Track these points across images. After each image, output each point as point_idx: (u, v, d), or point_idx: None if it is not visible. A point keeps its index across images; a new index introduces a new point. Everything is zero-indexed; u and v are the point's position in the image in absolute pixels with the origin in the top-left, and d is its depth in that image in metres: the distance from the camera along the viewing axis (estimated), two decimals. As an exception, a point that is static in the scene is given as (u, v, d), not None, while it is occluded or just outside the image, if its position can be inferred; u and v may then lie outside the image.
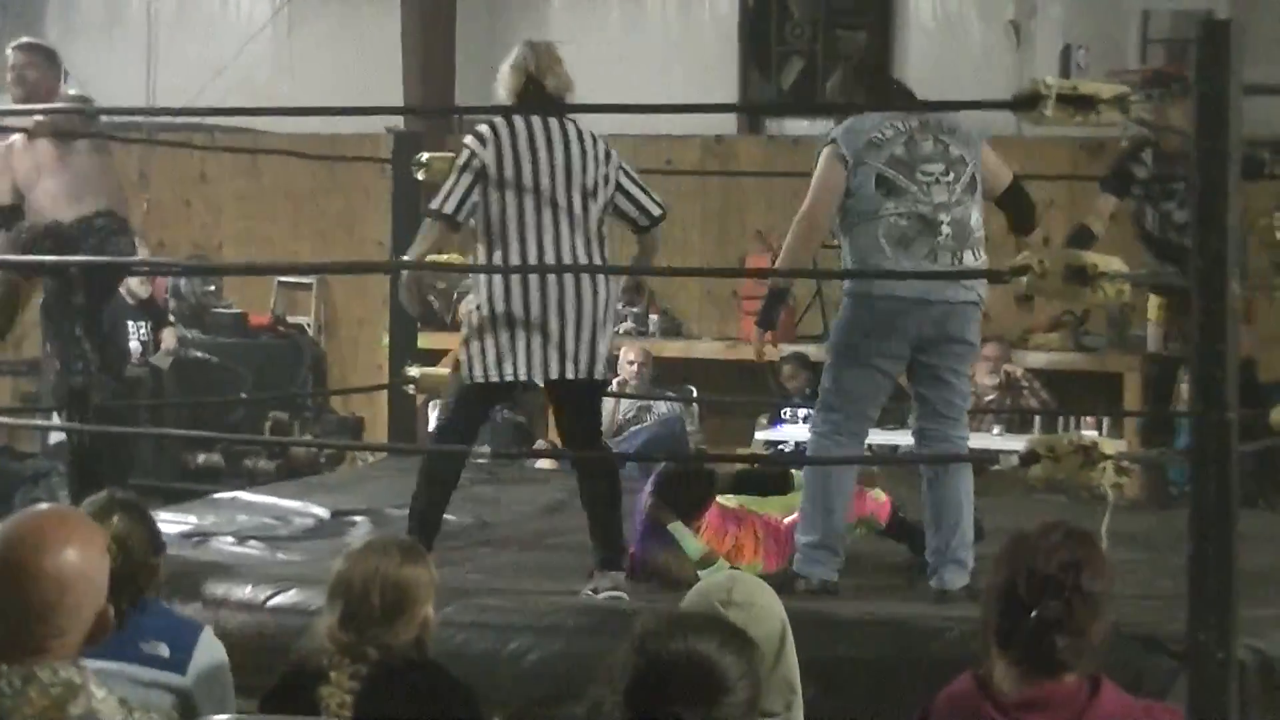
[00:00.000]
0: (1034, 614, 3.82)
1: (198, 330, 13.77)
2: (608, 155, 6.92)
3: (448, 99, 14.42)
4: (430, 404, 12.64)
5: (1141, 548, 7.25)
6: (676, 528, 6.94)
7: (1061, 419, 11.48)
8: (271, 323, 14.59)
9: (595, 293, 6.82)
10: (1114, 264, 5.66)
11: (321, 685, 4.50)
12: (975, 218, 6.79)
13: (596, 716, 3.17)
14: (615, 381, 12.65)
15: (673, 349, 13.58)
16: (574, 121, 6.93)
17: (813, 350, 12.21)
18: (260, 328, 14.39)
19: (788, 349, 12.57)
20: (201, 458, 12.44)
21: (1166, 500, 9.05)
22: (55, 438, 11.04)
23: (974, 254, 6.75)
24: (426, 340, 12.60)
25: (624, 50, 14.44)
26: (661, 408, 12.52)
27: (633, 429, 12.29)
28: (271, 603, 6.57)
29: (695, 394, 13.11)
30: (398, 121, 12.88)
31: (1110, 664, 4.17)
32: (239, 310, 14.28)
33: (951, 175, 6.77)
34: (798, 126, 14.05)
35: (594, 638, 5.91)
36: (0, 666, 3.21)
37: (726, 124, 14.15)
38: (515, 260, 6.78)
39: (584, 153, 6.85)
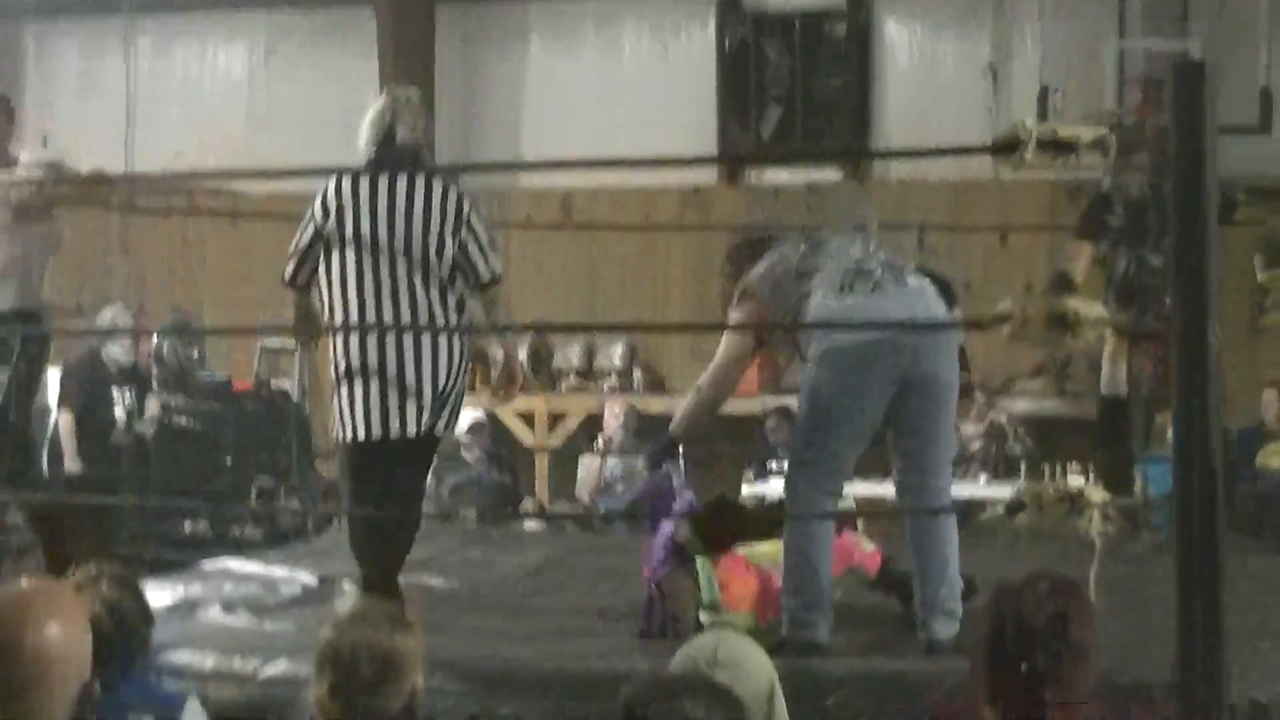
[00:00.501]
0: (1023, 667, 3.80)
1: (182, 396, 13.73)
2: (458, 209, 6.82)
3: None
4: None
5: (1130, 593, 7.22)
6: (704, 563, 6.90)
7: (1047, 465, 11.46)
8: (255, 387, 14.55)
9: (436, 349, 6.78)
10: (1095, 309, 5.65)
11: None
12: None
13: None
14: (600, 439, 12.66)
15: (657, 405, 13.55)
16: (425, 174, 6.88)
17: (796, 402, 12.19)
18: (244, 392, 14.34)
19: (773, 402, 12.57)
20: (188, 526, 12.40)
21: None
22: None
23: (916, 279, 6.78)
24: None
25: (601, 98, 14.46)
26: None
27: (619, 489, 12.26)
28: (261, 674, 6.53)
29: (681, 448, 13.05)
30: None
31: (1103, 715, 4.15)
32: (223, 375, 14.24)
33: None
34: (778, 176, 14.08)
35: (583, 702, 5.89)
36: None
37: (705, 175, 14.16)
38: (353, 318, 6.78)
39: (428, 208, 6.79)
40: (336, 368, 6.82)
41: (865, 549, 7.24)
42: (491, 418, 13.32)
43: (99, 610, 4.66)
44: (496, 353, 7.39)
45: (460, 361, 6.90)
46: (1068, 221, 11.18)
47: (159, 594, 7.57)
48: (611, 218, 13.86)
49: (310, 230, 6.89)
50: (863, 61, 13.92)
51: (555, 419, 13.82)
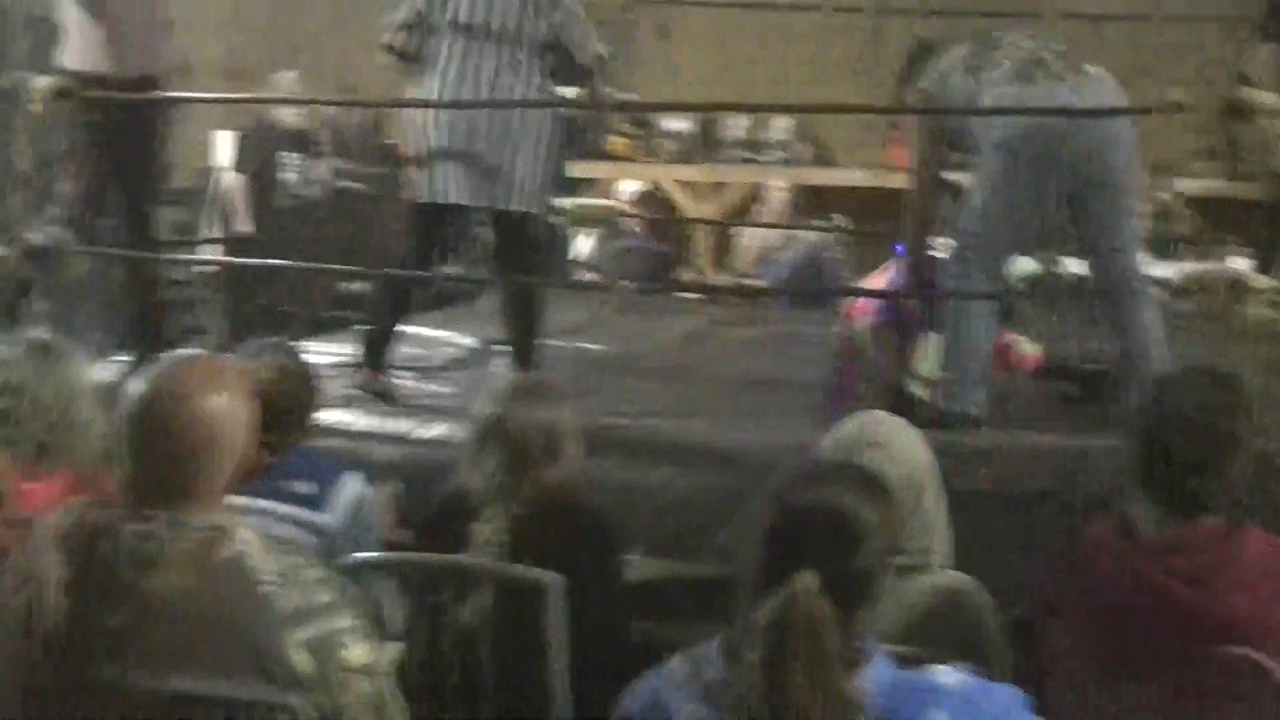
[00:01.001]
0: (1173, 457, 3.80)
1: (351, 160, 13.80)
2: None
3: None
4: (580, 235, 12.68)
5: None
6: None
7: (1213, 248, 11.30)
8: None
9: (524, 123, 7.02)
10: (1270, 99, 5.57)
11: (474, 522, 4.56)
12: None
13: (736, 553, 3.18)
14: (761, 211, 12.61)
15: (820, 177, 13.47)
16: None
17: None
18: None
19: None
20: (351, 287, 12.51)
21: None
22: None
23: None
24: (576, 170, 12.60)
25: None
26: (808, 237, 12.45)
27: (778, 260, 12.24)
28: (420, 435, 6.64)
29: (840, 224, 13.00)
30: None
31: (1262, 501, 4.14)
32: (393, 140, 14.27)
33: None
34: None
35: (734, 473, 5.93)
36: (149, 512, 3.27)
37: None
38: (436, 88, 7.08)
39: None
40: (425, 135, 7.13)
41: (1025, 350, 7.19)
42: (655, 186, 13.31)
43: (265, 379, 4.75)
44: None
45: (548, 144, 7.11)
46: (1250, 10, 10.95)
47: (322, 355, 7.69)
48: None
49: (410, 10, 7.20)
50: None
51: (719, 189, 13.79)
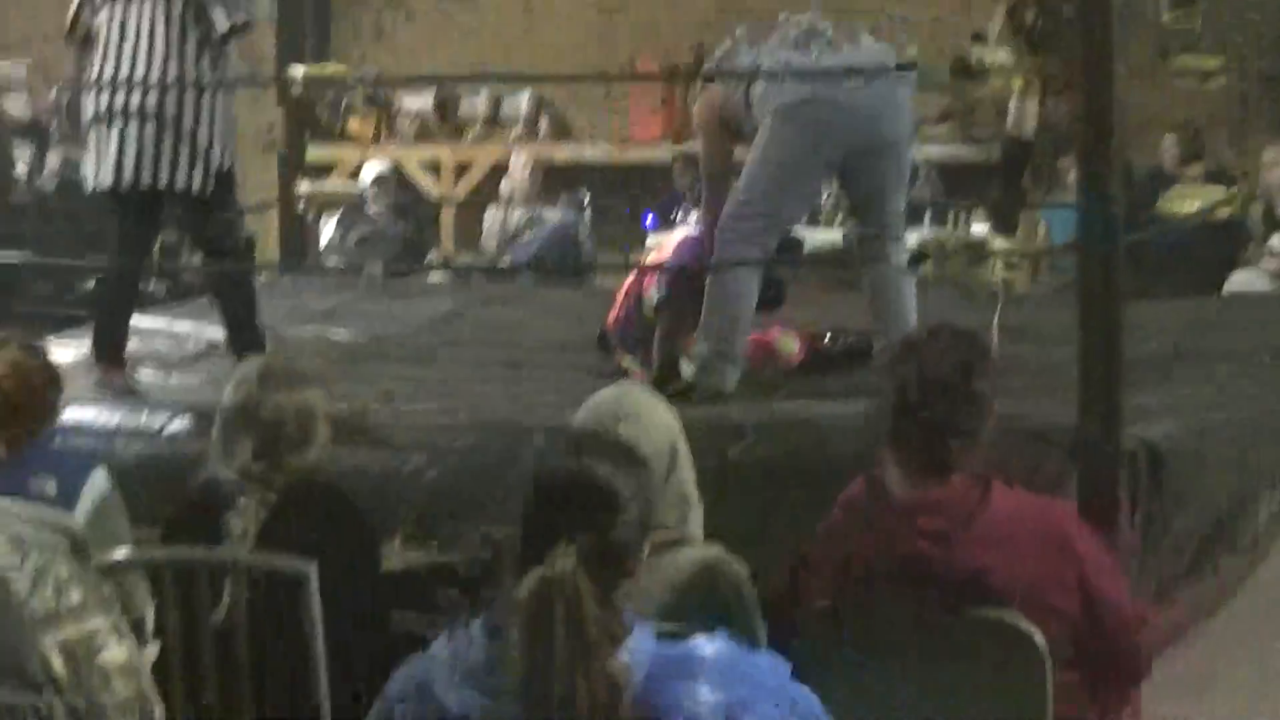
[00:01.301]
0: (921, 416, 3.86)
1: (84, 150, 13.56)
2: None
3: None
4: (323, 219, 12.55)
5: (1031, 340, 7.29)
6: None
7: (952, 212, 11.49)
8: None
9: (173, 102, 6.94)
10: (999, 56, 5.67)
11: (228, 513, 4.51)
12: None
13: (495, 536, 3.19)
14: (504, 186, 12.61)
15: (563, 153, 13.49)
16: None
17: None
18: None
19: (677, 149, 12.54)
20: (90, 283, 12.30)
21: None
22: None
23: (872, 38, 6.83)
24: (315, 154, 12.48)
25: None
26: (554, 214, 12.46)
27: (525, 239, 12.24)
28: (167, 430, 6.55)
29: (588, 198, 13.03)
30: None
31: (1004, 459, 4.22)
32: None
33: None
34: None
35: (492, 455, 5.92)
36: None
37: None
38: (97, 67, 7.05)
39: None
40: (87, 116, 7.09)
41: (787, 347, 7.24)
42: (396, 169, 13.24)
43: (3, 375, 4.66)
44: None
45: (195, 112, 6.98)
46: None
47: (63, 351, 7.54)
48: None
49: None
50: None
51: (461, 169, 13.76)
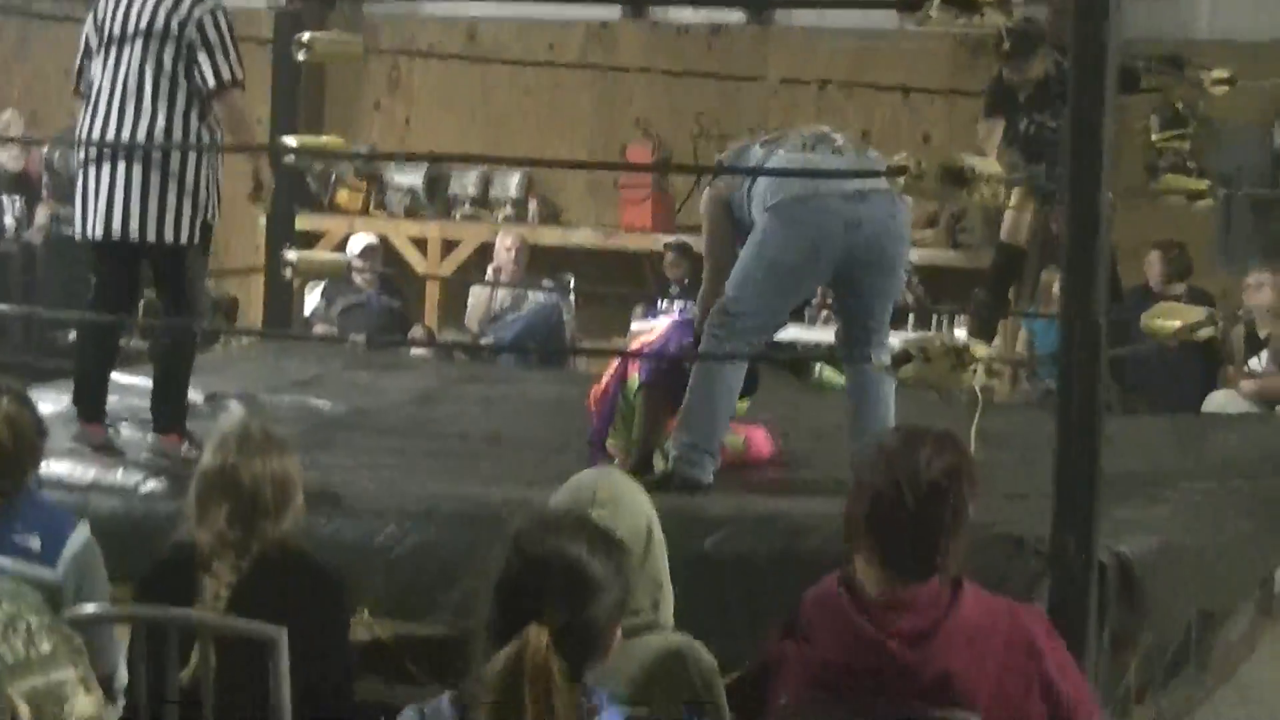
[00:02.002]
0: (900, 517, 3.86)
1: (72, 205, 13.59)
2: (190, 9, 6.97)
3: (330, -22, 14.28)
4: (308, 288, 12.59)
5: (1009, 447, 7.32)
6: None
7: (936, 316, 11.56)
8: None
9: (159, 155, 6.96)
10: (991, 166, 5.71)
11: (203, 575, 4.51)
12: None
13: (467, 611, 3.19)
14: (490, 269, 12.65)
15: (550, 237, 13.55)
16: None
17: (694, 240, 12.24)
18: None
19: (669, 239, 12.61)
20: (73, 335, 12.31)
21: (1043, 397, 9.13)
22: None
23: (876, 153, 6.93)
24: (304, 223, 12.52)
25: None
26: (538, 296, 12.50)
27: (509, 319, 12.27)
28: (143, 488, 6.55)
29: (573, 283, 13.09)
30: (279, -3, 12.70)
31: (977, 565, 4.23)
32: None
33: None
34: (682, 14, 13.99)
35: (465, 530, 5.92)
36: None
37: (611, 10, 14.07)
38: (86, 120, 7.08)
39: (153, 5, 6.98)
40: (75, 170, 7.20)
41: (762, 447, 7.32)
42: (384, 241, 13.28)
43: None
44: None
45: (181, 166, 7.00)
46: (968, 77, 11.24)
47: (42, 404, 7.54)
48: (517, 47, 13.76)
49: (83, 43, 7.18)
50: (772, -97, 13.81)
51: (449, 246, 13.80)
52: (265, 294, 10.52)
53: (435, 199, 14.03)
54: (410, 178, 13.93)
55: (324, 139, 7.86)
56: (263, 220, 10.73)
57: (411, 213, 13.94)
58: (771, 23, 13.76)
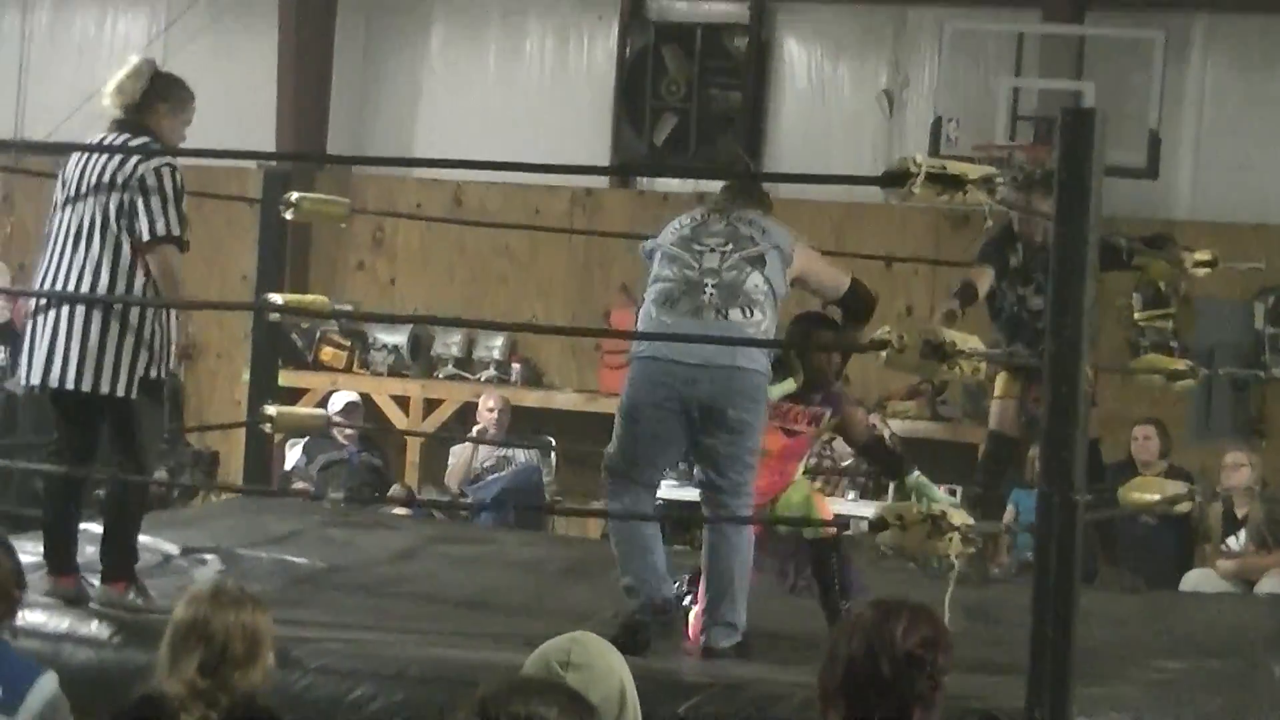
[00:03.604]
0: (875, 687, 3.86)
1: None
2: (134, 166, 7.00)
3: (320, 138, 14.44)
4: (289, 443, 12.59)
5: (974, 620, 7.31)
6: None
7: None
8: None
9: (100, 306, 6.96)
10: (971, 342, 5.75)
11: (170, 725, 4.50)
12: (752, 283, 6.84)
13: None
14: (475, 429, 12.68)
15: (532, 398, 13.58)
16: (128, 133, 7.13)
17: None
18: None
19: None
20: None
21: (985, 576, 9.08)
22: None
23: (743, 312, 6.80)
24: (287, 379, 12.56)
25: (500, 99, 14.46)
26: (520, 457, 12.51)
27: (489, 478, 12.28)
28: (116, 639, 6.52)
29: (554, 443, 13.12)
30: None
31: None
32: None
33: (731, 246, 6.90)
34: (668, 183, 14.15)
35: (438, 690, 5.90)
36: None
37: (597, 177, 14.21)
38: (39, 271, 7.16)
39: (108, 159, 7.03)
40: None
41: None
42: (365, 399, 13.30)
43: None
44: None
45: (105, 322, 6.98)
46: (950, 247, 11.33)
47: (23, 555, 7.52)
48: (503, 209, 13.87)
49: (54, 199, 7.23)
50: (760, 77, 13.97)
51: (431, 405, 13.83)
52: (246, 449, 10.53)
53: (419, 358, 14.08)
54: (394, 337, 13.99)
55: (309, 297, 7.91)
56: (246, 376, 10.77)
57: (395, 371, 13.98)
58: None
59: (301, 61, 14.42)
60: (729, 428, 6.76)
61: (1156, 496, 6.89)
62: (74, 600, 6.94)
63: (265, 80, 14.40)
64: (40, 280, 7.13)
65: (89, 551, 7.30)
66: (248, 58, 14.69)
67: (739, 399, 6.75)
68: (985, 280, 8.96)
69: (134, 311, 6.98)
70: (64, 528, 7.20)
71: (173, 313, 7.20)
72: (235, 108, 14.03)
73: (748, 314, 6.79)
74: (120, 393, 6.96)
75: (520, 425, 13.00)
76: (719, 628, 6.81)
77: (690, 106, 13.88)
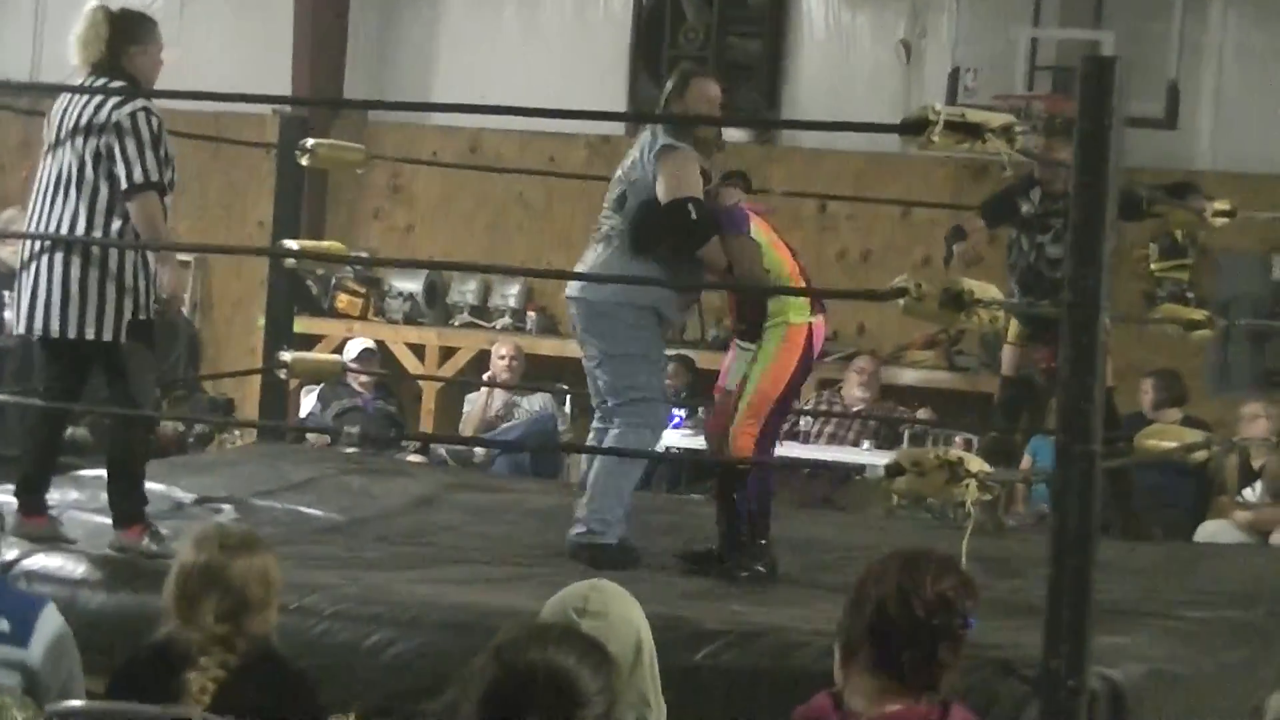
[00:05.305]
0: (898, 637, 3.85)
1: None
2: (111, 110, 6.95)
3: (337, 85, 14.39)
4: (304, 390, 12.60)
5: (990, 571, 7.30)
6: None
7: (933, 437, 11.55)
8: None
9: (72, 249, 6.95)
10: (990, 291, 5.73)
11: (189, 671, 4.50)
12: (608, 223, 7.77)
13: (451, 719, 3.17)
14: (486, 376, 12.67)
15: (547, 347, 13.55)
16: (109, 78, 7.07)
17: (694, 354, 12.27)
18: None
19: (669, 352, 12.61)
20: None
21: (1000, 527, 9.07)
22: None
23: (595, 249, 7.73)
24: (303, 326, 12.54)
25: (518, 47, 14.41)
26: (534, 405, 12.51)
27: (504, 425, 12.28)
28: (130, 583, 6.53)
29: (568, 391, 13.10)
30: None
31: (966, 687, 4.21)
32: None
33: (620, 174, 7.80)
34: (686, 129, 14.08)
35: (455, 636, 5.91)
36: None
37: (613, 125, 14.15)
38: (27, 218, 7.18)
39: (85, 102, 6.99)
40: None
41: None
42: (381, 346, 13.30)
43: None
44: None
45: (84, 269, 6.97)
46: (970, 198, 11.28)
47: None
48: (520, 158, 13.84)
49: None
50: (779, 25, 13.91)
51: (446, 353, 13.82)
52: (261, 396, 10.53)
53: (434, 306, 14.06)
54: (410, 284, 13.97)
55: (325, 244, 7.88)
56: (261, 322, 10.76)
57: (410, 319, 13.97)
58: (776, 142, 13.85)
59: (319, 9, 14.37)
60: (592, 356, 7.66)
61: (1173, 444, 6.88)
62: (45, 539, 6.94)
63: (283, 28, 14.35)
64: (26, 229, 7.13)
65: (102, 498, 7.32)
66: (265, 5, 14.64)
67: (595, 327, 7.60)
68: (973, 229, 9.05)
69: (113, 256, 6.96)
70: (40, 469, 7.23)
71: (151, 256, 7.13)
72: (252, 56, 14.02)
73: (595, 250, 7.69)
74: (107, 337, 6.97)
75: (536, 374, 12.99)
76: (577, 523, 7.45)
77: (708, 55, 13.81)
